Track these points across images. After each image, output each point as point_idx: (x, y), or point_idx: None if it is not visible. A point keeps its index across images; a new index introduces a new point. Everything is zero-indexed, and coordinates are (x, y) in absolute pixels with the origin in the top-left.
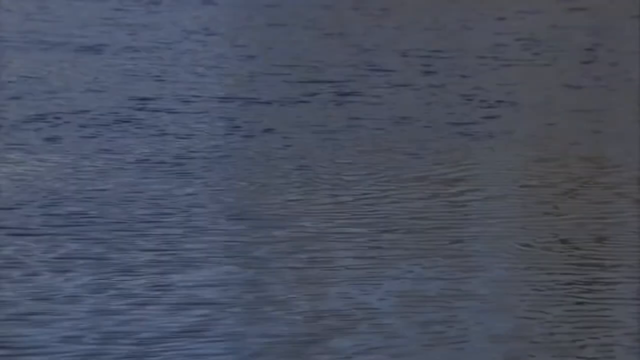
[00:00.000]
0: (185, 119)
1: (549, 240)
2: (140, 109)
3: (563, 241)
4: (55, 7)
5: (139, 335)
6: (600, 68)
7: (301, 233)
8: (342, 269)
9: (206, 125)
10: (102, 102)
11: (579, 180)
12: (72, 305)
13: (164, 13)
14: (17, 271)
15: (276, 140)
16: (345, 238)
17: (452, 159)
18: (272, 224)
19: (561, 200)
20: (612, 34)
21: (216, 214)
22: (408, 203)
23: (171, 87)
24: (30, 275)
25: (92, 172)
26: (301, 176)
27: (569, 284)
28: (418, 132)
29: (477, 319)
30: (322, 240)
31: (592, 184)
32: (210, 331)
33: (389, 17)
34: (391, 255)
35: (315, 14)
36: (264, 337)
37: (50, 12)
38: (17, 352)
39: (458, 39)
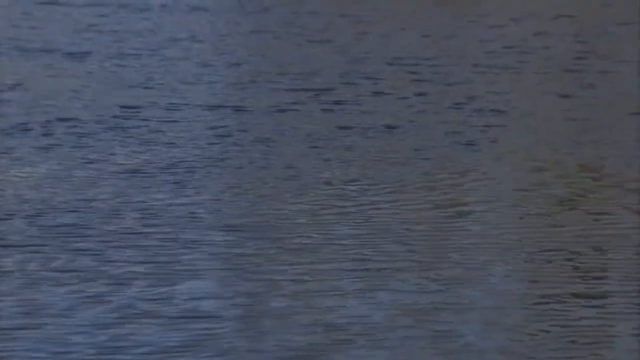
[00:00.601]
0: (173, 127)
1: (547, 250)
2: (127, 118)
3: (561, 253)
4: (40, 14)
5: (133, 350)
6: (590, 76)
7: (294, 244)
8: (337, 280)
9: (194, 134)
10: (89, 109)
11: (576, 189)
12: (64, 319)
13: (152, 20)
14: (4, 284)
15: (265, 148)
16: (341, 249)
17: (444, 168)
18: (265, 234)
19: (558, 211)
20: (600, 41)
21: (209, 225)
22: (404, 213)
23: (158, 94)
24: (20, 288)
25: (80, 181)
26: (292, 185)
27: (568, 297)
28: (409, 140)
29: (474, 332)
30: (316, 252)
31: (589, 193)
32: (206, 346)
33: (377, 25)
34: (388, 266)
35: (303, 20)
36: (261, 351)
37: (35, 19)
38: None
39: (446, 46)
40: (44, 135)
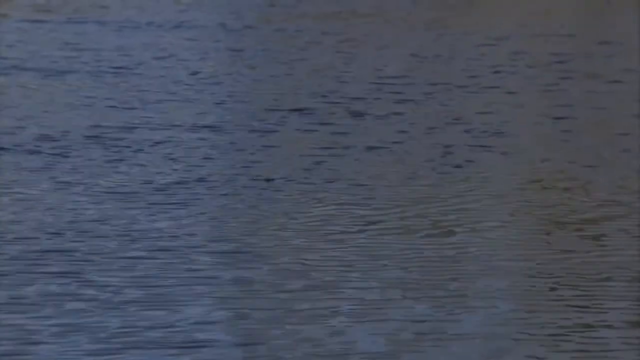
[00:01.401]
0: (154, 147)
1: (544, 276)
2: (106, 138)
3: (554, 287)
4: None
5: None
6: (571, 96)
7: (283, 267)
8: (335, 303)
9: (176, 153)
10: (70, 128)
11: (569, 210)
12: (45, 346)
13: (135, 37)
14: None
15: (249, 170)
16: (339, 270)
17: (432, 191)
18: (253, 257)
19: (554, 233)
20: (582, 60)
21: (191, 247)
22: (393, 236)
23: (139, 113)
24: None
25: (61, 202)
26: (278, 208)
27: (567, 327)
28: (395, 159)
29: None
30: (307, 275)
31: (585, 214)
32: None
33: (361, 45)
34: (380, 297)
35: (284, 42)
36: None
37: (15, 36)
38: None
39: (431, 66)
40: (22, 154)
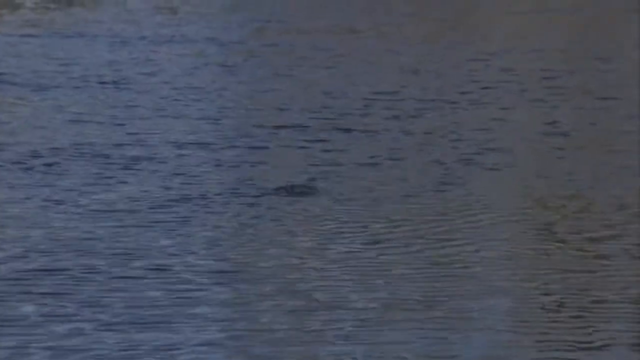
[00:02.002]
0: (144, 163)
1: (544, 294)
2: (94, 152)
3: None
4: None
5: None
6: (564, 113)
7: (279, 288)
8: (337, 324)
9: (166, 170)
10: (48, 143)
11: (569, 228)
12: None
13: (125, 52)
14: None
15: (241, 187)
16: (340, 290)
17: (427, 208)
18: (247, 277)
19: (555, 252)
20: (575, 75)
21: (186, 266)
22: (393, 256)
23: (128, 129)
24: None
25: (51, 219)
26: (274, 228)
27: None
28: (390, 177)
29: None
30: (306, 297)
31: (584, 235)
32: None
33: (345, 60)
34: (377, 316)
35: (275, 57)
36: None
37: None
38: None
39: (424, 82)
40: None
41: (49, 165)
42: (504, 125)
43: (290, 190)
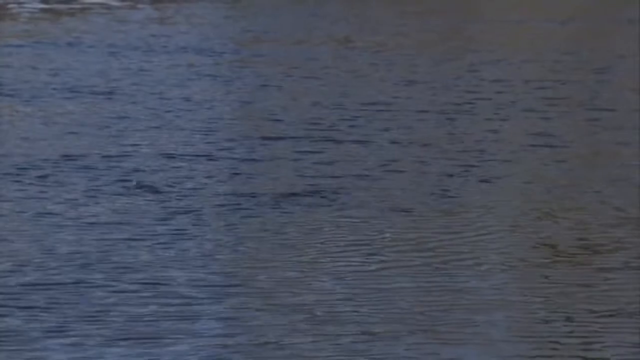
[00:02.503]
0: (134, 175)
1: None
2: (84, 164)
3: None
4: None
5: None
6: (562, 124)
7: (281, 302)
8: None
9: (160, 182)
10: (39, 154)
11: (571, 241)
12: None
13: (117, 62)
14: None
15: (235, 199)
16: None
17: (426, 222)
18: (248, 291)
19: (556, 267)
20: (572, 86)
21: (182, 281)
22: (393, 270)
23: (120, 140)
24: None
25: (44, 233)
26: (270, 241)
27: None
28: (384, 190)
29: None
30: (305, 312)
31: (585, 248)
32: None
33: (336, 72)
34: (384, 329)
35: (266, 67)
36: None
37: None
38: None
39: (419, 92)
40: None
41: (41, 177)
42: (499, 135)
43: (286, 202)
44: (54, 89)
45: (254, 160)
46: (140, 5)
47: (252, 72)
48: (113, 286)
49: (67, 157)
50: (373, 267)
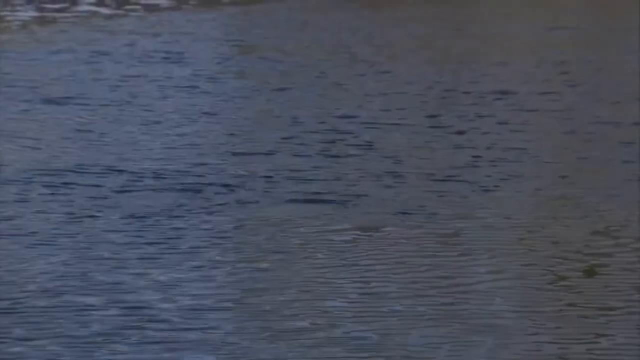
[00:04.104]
0: (121, 194)
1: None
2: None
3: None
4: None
5: None
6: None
7: (283, 326)
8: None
9: (148, 201)
10: (22, 166)
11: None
12: None
13: (108, 71)
14: None
15: (229, 221)
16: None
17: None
18: (253, 315)
19: (558, 282)
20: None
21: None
22: (401, 284)
23: (93, 155)
24: None
25: (23, 255)
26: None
27: None
28: (379, 207)
29: None
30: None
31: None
32: None
33: (318, 82)
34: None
35: (246, 82)
36: None
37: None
38: None
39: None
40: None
41: (19, 193)
42: (499, 142)
43: (273, 220)
44: (43, 96)
45: (239, 176)
46: (133, 14)
47: (234, 87)
48: (103, 310)
49: (52, 171)
50: (374, 288)
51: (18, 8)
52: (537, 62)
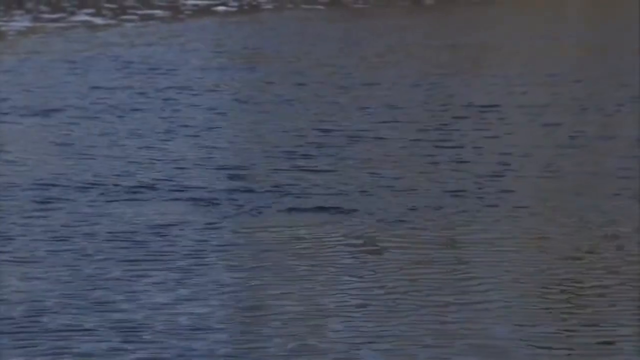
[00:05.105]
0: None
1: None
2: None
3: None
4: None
5: None
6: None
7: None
8: None
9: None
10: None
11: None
12: None
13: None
14: None
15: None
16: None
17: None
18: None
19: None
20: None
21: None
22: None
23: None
24: None
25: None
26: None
27: None
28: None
29: None
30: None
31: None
32: None
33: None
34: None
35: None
36: None
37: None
38: None
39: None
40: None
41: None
42: (486, 155)
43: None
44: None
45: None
46: (128, 24)
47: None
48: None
49: (39, 183)
50: (371, 309)
51: (16, 18)
52: (526, 74)
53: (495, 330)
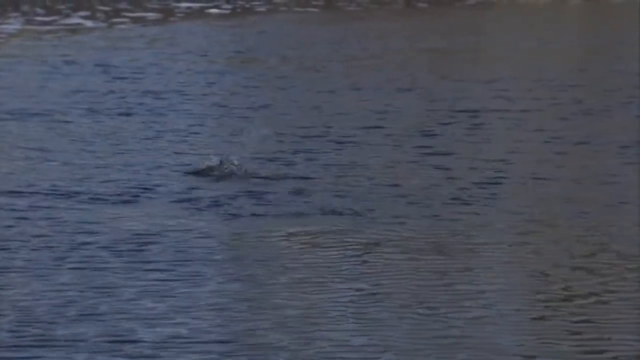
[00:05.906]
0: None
1: None
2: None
3: None
4: None
5: None
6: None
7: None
8: None
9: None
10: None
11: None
12: None
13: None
14: None
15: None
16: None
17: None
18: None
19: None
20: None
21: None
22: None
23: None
24: None
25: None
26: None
27: None
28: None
29: None
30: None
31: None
32: None
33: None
34: None
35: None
36: None
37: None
38: None
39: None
40: None
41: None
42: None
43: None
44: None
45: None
46: (120, 27)
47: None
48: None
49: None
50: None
51: (10, 21)
52: (515, 79)
53: (486, 336)
